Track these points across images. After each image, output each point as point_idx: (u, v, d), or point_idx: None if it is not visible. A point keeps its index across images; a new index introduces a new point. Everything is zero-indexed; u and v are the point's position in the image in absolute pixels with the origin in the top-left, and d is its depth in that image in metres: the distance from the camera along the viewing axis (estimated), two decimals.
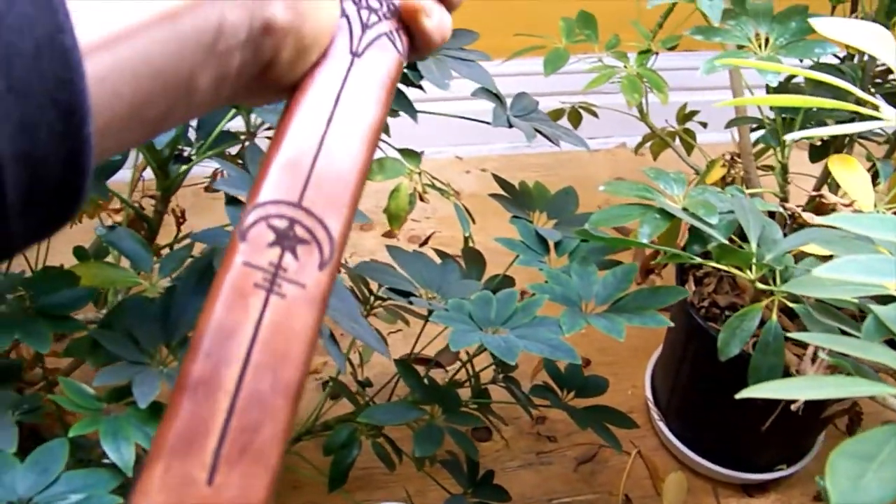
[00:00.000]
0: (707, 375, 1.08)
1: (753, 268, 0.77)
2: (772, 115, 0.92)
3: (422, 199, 0.80)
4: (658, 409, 1.20)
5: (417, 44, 0.40)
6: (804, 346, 1.02)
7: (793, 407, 0.80)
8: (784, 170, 0.87)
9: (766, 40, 0.83)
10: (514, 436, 1.17)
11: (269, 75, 0.34)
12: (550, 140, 0.85)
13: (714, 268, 1.12)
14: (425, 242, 1.36)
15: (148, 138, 0.32)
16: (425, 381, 0.84)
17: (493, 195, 0.90)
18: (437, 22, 0.39)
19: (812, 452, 1.14)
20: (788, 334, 0.61)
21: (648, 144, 1.21)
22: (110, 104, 0.27)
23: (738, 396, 0.52)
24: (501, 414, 0.98)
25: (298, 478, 1.08)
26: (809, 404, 0.81)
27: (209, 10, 0.29)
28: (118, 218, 0.94)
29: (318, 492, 1.06)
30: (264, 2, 0.32)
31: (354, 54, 0.36)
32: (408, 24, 0.39)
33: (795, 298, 0.79)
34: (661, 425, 1.17)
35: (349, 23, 0.37)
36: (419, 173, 0.81)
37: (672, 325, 0.78)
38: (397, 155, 0.83)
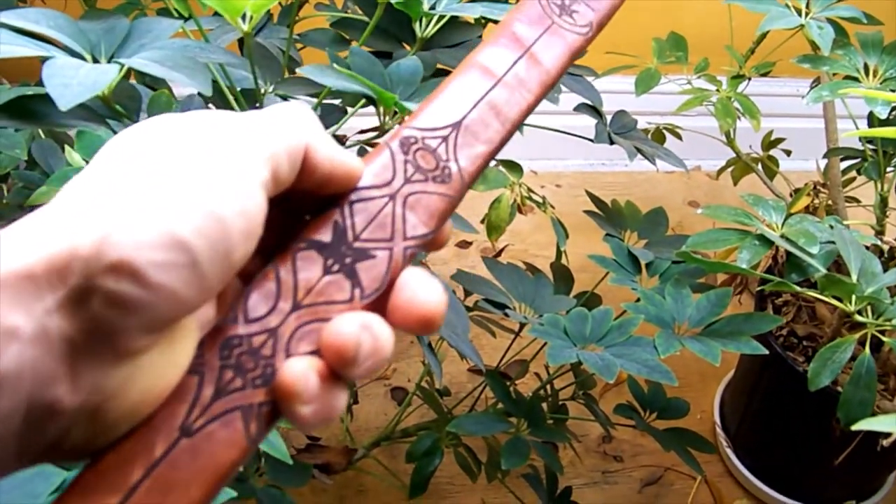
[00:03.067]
0: (781, 405, 1.07)
1: (854, 300, 0.76)
2: (870, 146, 0.91)
3: (521, 212, 0.80)
4: (726, 435, 1.18)
5: (287, 421, 0.30)
6: (884, 381, 1.01)
7: (885, 442, 0.79)
8: (884, 203, 0.86)
9: (875, 71, 0.83)
10: (580, 453, 1.16)
11: (60, 451, 0.27)
12: (648, 159, 0.85)
13: (794, 297, 1.11)
14: (498, 255, 1.36)
15: None
16: (512, 393, 0.85)
17: (588, 212, 0.90)
18: (316, 410, 0.28)
19: (883, 490, 1.12)
20: None
21: (730, 169, 1.20)
22: None
23: (854, 428, 0.51)
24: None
25: (364, 481, 1.08)
26: None
27: None
28: None
29: (385, 497, 1.06)
30: (44, 385, 0.25)
31: (184, 432, 0.26)
32: (278, 403, 0.28)
33: (883, 332, 0.78)
34: (729, 452, 1.16)
35: (200, 383, 0.27)
36: (520, 185, 0.81)
37: (767, 352, 0.78)
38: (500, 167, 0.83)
